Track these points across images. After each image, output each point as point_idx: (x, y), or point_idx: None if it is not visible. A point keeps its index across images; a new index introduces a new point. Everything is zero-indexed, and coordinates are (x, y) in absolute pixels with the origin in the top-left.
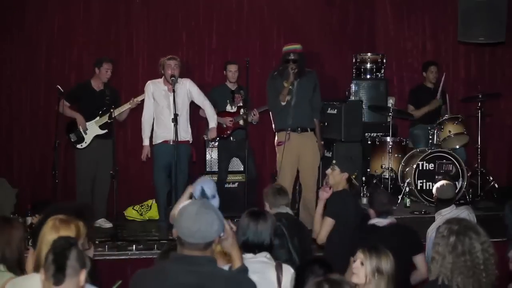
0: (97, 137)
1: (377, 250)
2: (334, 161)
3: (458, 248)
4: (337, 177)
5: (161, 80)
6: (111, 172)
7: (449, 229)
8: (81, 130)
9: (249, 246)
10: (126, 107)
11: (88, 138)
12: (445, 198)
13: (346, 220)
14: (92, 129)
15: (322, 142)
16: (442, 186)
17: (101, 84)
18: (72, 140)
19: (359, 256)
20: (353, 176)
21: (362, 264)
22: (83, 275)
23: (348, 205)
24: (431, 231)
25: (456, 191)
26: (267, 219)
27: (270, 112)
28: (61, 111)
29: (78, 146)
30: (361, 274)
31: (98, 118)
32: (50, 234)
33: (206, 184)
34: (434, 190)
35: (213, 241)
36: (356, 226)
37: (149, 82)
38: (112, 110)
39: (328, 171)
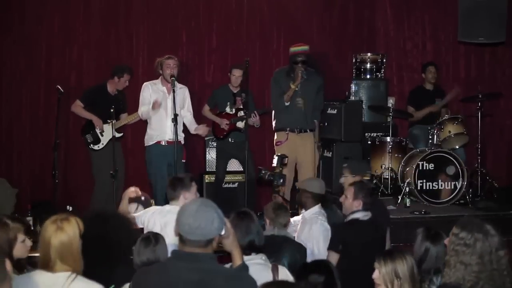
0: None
1: (391, 255)
2: (344, 165)
3: (485, 257)
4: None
5: (158, 81)
6: (111, 172)
7: (475, 237)
8: (98, 131)
9: (255, 247)
10: (136, 118)
11: (104, 140)
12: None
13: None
14: (109, 131)
15: (320, 144)
16: (317, 180)
17: (115, 90)
18: (88, 140)
19: (376, 265)
20: (366, 177)
21: (379, 272)
22: (8, 265)
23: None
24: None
25: (456, 191)
26: (256, 219)
27: (273, 111)
28: (75, 111)
29: (95, 147)
30: (381, 282)
31: (115, 121)
32: (55, 236)
33: None
34: (311, 187)
35: (214, 238)
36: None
37: (146, 83)
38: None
39: (341, 180)
